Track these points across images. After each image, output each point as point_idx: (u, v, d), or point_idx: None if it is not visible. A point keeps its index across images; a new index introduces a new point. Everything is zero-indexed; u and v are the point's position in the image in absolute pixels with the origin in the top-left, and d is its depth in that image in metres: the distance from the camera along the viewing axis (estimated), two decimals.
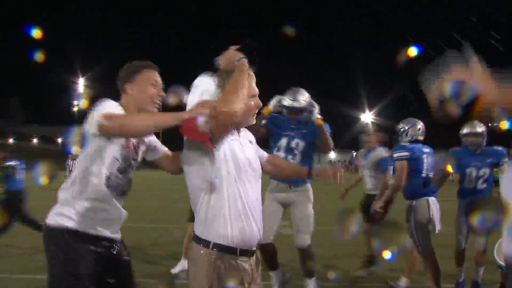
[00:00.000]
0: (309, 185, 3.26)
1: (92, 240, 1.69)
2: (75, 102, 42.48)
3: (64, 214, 1.68)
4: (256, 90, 1.72)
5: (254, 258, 1.67)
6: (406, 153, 3.52)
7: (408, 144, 3.61)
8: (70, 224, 1.66)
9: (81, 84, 38.43)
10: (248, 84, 1.61)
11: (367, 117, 46.92)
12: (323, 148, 3.33)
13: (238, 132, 1.71)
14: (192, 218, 4.40)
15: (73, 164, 14.13)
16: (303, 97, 3.25)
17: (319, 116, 3.26)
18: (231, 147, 1.62)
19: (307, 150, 3.28)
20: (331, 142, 3.32)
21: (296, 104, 3.22)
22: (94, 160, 1.67)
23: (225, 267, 1.56)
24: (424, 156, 3.57)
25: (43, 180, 3.81)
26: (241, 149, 1.66)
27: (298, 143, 3.26)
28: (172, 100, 1.85)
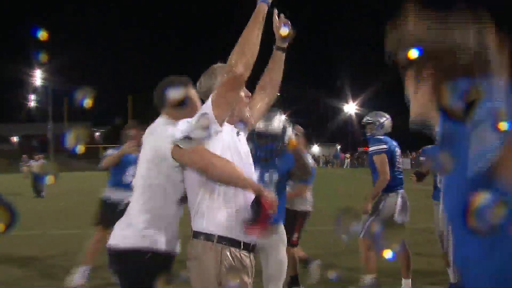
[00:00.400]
0: (282, 226, 3.03)
1: (164, 257, 1.84)
2: (32, 97, 41.07)
3: (140, 235, 1.82)
4: None
5: (252, 256, 1.78)
6: (384, 146, 3.70)
7: (383, 137, 3.79)
8: (147, 244, 1.81)
9: (38, 77, 37.11)
10: None
11: (351, 107, 47.67)
12: (301, 174, 3.12)
13: (235, 124, 1.85)
14: (100, 222, 4.11)
15: (37, 165, 13.75)
16: (278, 122, 2.94)
17: (293, 137, 3.05)
18: (234, 139, 1.77)
19: (281, 181, 3.08)
20: (309, 167, 3.14)
21: (270, 130, 2.89)
22: (169, 181, 1.83)
23: (232, 259, 1.65)
24: (397, 149, 3.79)
25: (49, 179, 3.89)
26: (240, 141, 1.82)
27: (271, 176, 3.05)
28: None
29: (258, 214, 1.62)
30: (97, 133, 50.30)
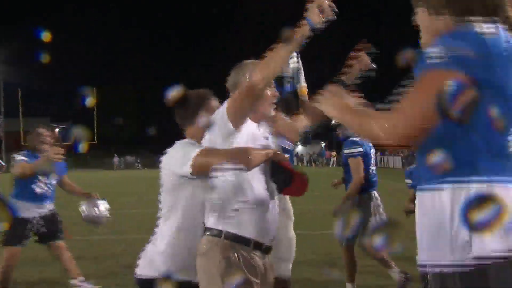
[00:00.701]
0: (288, 200, 3.10)
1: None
2: None
3: (159, 264, 1.93)
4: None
5: (268, 259, 1.88)
6: (360, 149, 3.96)
7: (357, 139, 4.01)
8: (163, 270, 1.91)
9: None
10: None
11: None
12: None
13: (260, 124, 1.95)
14: (8, 242, 3.81)
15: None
16: (292, 60, 2.70)
17: (303, 84, 2.98)
18: (255, 136, 1.89)
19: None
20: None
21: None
22: (191, 203, 1.94)
23: (238, 257, 1.73)
24: (372, 150, 4.06)
25: (53, 177, 3.88)
26: (263, 139, 1.94)
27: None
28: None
29: (287, 176, 1.84)
30: (56, 130, 49.12)
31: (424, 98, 1.05)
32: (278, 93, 1.97)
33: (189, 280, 1.93)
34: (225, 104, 1.80)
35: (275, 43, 2.20)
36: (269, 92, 1.93)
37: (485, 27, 1.09)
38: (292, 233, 3.03)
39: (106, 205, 3.90)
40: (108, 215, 3.90)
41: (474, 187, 1.05)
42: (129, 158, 50.18)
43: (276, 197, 1.94)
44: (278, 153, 1.87)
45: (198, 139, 1.96)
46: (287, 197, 3.09)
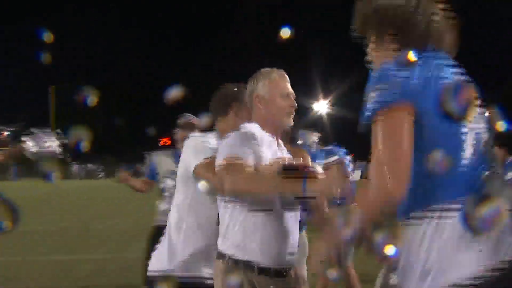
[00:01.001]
0: (304, 236, 3.20)
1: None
2: None
3: (170, 259, 2.14)
4: (287, 90, 1.95)
5: (287, 280, 1.82)
6: (335, 157, 3.99)
7: (331, 147, 4.11)
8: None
9: None
10: (278, 83, 1.94)
11: (322, 106, 48.77)
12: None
13: (278, 140, 1.98)
14: None
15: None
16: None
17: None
18: (273, 151, 1.89)
19: None
20: None
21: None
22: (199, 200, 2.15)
23: (240, 284, 1.72)
24: (347, 157, 4.11)
25: (55, 177, 3.67)
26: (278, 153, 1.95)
27: None
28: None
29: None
30: (4, 132, 47.72)
31: (392, 142, 1.17)
32: (295, 103, 1.97)
33: (192, 279, 2.09)
34: (220, 153, 1.82)
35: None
36: (283, 102, 1.92)
37: (413, 56, 1.21)
38: (305, 272, 3.09)
39: (51, 135, 3.36)
40: (60, 146, 3.41)
41: (433, 219, 1.20)
42: (90, 166, 49.29)
43: (294, 210, 1.92)
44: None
45: (227, 133, 1.98)
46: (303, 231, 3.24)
